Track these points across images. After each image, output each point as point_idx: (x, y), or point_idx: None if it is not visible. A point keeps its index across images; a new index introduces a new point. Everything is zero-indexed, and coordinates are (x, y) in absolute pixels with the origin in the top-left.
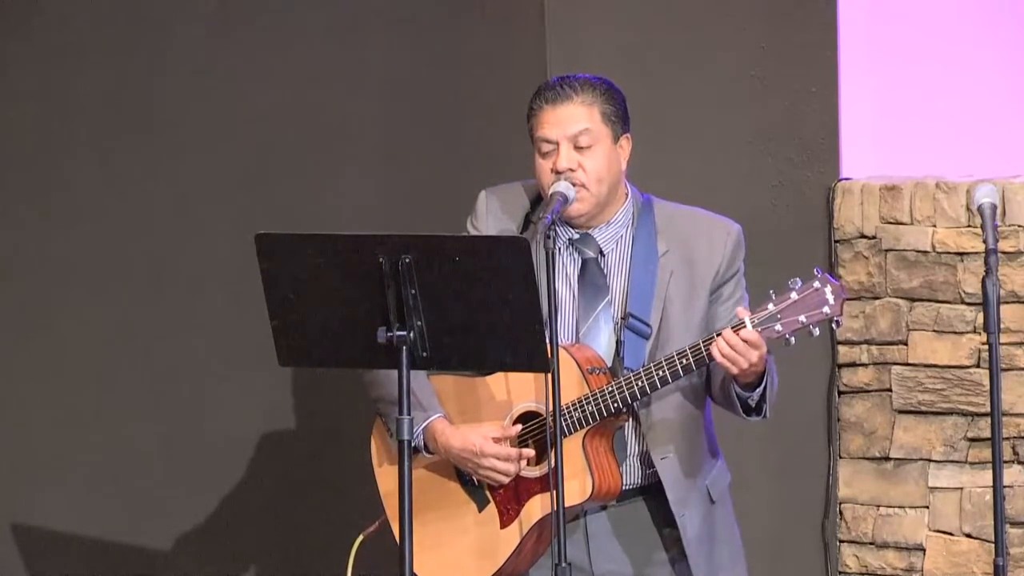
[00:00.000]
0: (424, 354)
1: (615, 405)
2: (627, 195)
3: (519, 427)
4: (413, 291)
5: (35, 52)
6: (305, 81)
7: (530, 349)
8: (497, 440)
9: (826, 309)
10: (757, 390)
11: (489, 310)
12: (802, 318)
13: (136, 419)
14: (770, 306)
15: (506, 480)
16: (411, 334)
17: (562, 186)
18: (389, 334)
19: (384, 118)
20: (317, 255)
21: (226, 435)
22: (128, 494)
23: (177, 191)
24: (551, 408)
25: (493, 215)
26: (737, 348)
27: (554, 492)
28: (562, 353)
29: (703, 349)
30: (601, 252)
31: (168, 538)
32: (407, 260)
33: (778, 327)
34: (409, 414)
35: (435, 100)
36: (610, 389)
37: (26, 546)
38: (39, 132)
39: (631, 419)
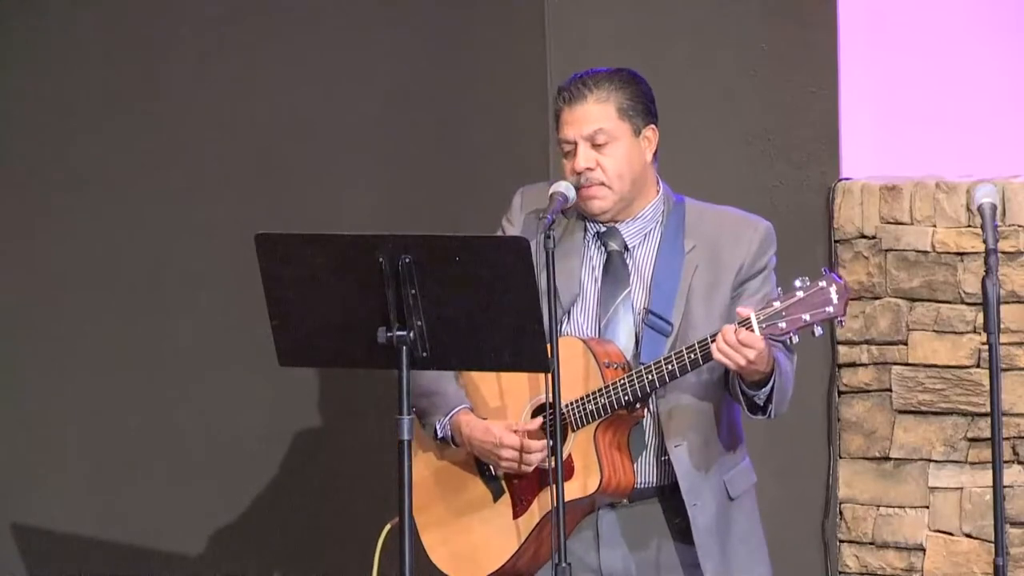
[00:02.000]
0: (424, 354)
1: (627, 398)
2: (658, 191)
3: (540, 420)
4: (413, 291)
5: (36, 52)
6: (305, 81)
7: (530, 349)
8: (518, 432)
9: (830, 308)
10: (763, 389)
11: (489, 310)
12: (806, 316)
13: (136, 419)
14: (775, 304)
15: (527, 469)
16: (411, 334)
17: (562, 186)
18: (389, 334)
19: (384, 118)
20: (317, 255)
21: (226, 435)
22: (128, 494)
23: (177, 191)
24: (552, 404)
25: (527, 212)
26: (732, 344)
27: (554, 487)
28: (581, 346)
29: (709, 343)
30: (626, 246)
31: (168, 538)
32: (407, 260)
33: (782, 324)
34: (409, 414)
35: (435, 100)
36: (621, 382)
37: (26, 546)
38: (39, 132)
39: (649, 413)
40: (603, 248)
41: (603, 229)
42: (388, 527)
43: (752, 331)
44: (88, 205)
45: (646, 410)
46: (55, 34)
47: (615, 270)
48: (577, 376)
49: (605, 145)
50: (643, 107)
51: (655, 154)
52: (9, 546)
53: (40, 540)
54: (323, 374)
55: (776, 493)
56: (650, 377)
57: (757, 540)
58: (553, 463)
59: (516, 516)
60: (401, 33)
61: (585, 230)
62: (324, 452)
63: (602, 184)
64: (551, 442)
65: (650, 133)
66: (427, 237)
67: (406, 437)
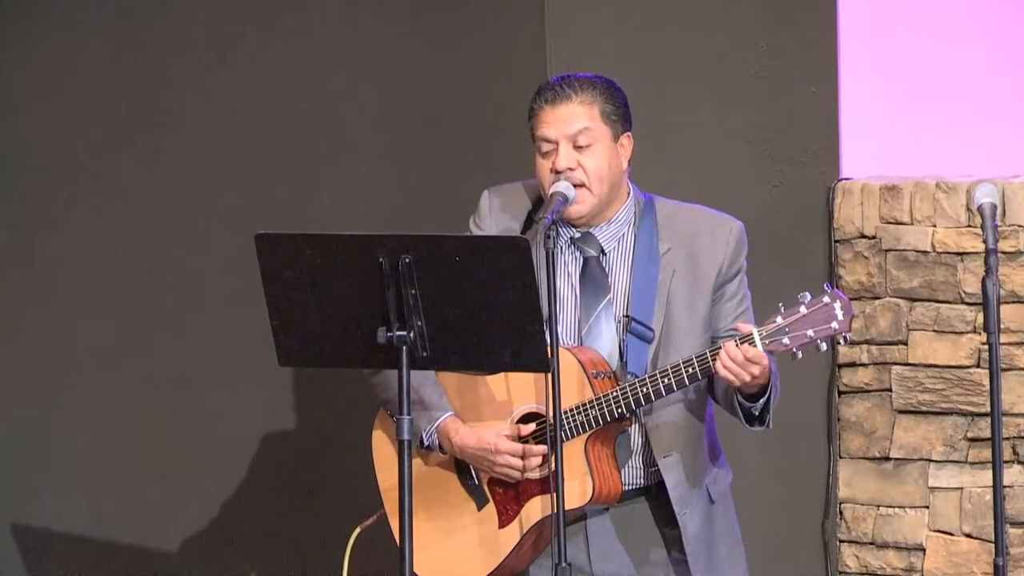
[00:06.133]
0: (424, 354)
1: (619, 411)
2: (629, 194)
3: (532, 426)
4: (413, 291)
5: (37, 53)
6: (305, 81)
7: (530, 349)
8: (511, 438)
9: (835, 325)
10: (760, 400)
11: (489, 310)
12: (810, 332)
13: (136, 419)
14: (778, 319)
15: (519, 476)
16: (411, 334)
17: (562, 186)
18: (389, 334)
19: (384, 118)
20: (317, 255)
21: (226, 435)
22: (128, 494)
23: (177, 191)
24: (551, 409)
25: (495, 214)
26: (738, 362)
27: (554, 494)
28: (566, 355)
29: (709, 359)
30: (603, 251)
31: (168, 538)
32: (407, 260)
33: (786, 340)
34: (409, 413)
35: (435, 100)
36: (615, 394)
37: (26, 546)
38: (40, 132)
39: (635, 419)
40: (578, 254)
41: (577, 235)
42: (358, 531)
43: (755, 347)
44: (88, 205)
45: (633, 418)
46: (57, 34)
47: (593, 276)
48: (565, 386)
49: (587, 147)
50: (622, 114)
51: (629, 161)
52: (9, 546)
53: (40, 540)
54: (323, 374)
55: (776, 493)
56: (645, 390)
57: (735, 539)
58: (542, 473)
59: (503, 525)
60: (401, 33)
61: (557, 236)
62: (325, 452)
63: (583, 185)
64: (550, 449)
65: (626, 141)
66: (427, 237)
67: (406, 437)
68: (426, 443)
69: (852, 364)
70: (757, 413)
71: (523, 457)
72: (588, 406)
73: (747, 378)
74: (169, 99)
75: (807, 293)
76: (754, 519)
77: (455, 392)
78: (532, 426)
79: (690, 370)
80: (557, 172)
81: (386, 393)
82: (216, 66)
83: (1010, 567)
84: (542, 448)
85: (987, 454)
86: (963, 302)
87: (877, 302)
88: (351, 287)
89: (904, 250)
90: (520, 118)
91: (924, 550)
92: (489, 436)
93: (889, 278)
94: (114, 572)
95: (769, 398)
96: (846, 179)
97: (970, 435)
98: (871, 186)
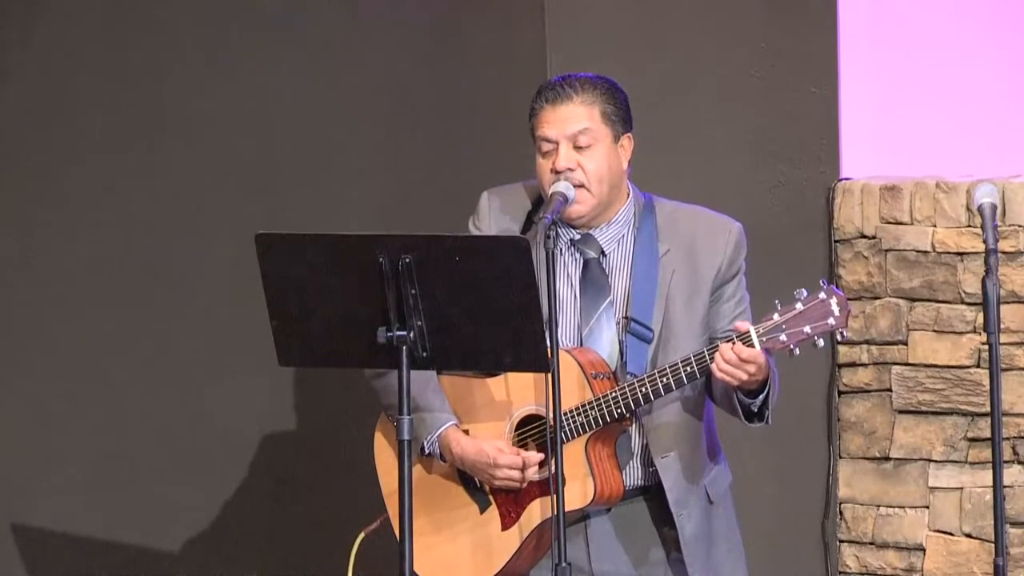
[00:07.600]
0: (424, 354)
1: (618, 411)
2: (629, 195)
3: (534, 453)
4: (413, 291)
5: (37, 53)
6: (305, 81)
7: (530, 349)
8: (510, 451)
9: (831, 320)
10: (759, 397)
11: (489, 310)
12: (807, 329)
13: (136, 419)
14: (775, 316)
15: (520, 487)
16: (411, 334)
17: (562, 186)
18: (389, 334)
19: (384, 118)
20: (317, 255)
21: (226, 435)
22: (128, 494)
23: (177, 191)
24: (551, 410)
25: (495, 215)
26: (733, 363)
27: (554, 495)
28: (565, 356)
29: (707, 357)
30: (603, 252)
31: (168, 538)
32: (407, 260)
33: (783, 337)
34: (409, 414)
35: (435, 100)
36: (613, 395)
37: (26, 546)
38: (40, 133)
39: (634, 420)
40: (578, 256)
41: (578, 236)
42: (362, 535)
43: (752, 346)
44: (88, 204)
45: (633, 419)
46: (57, 33)
47: (594, 278)
48: (565, 387)
49: (587, 147)
50: (623, 115)
51: (629, 162)
52: (9, 546)
53: (40, 540)
54: (323, 374)
55: (776, 493)
56: (644, 390)
57: (735, 540)
58: (543, 475)
59: (505, 528)
60: (401, 33)
61: (557, 236)
62: (325, 452)
63: (583, 186)
64: (550, 450)
65: (626, 141)
66: (427, 237)
67: (406, 437)
68: (427, 451)
69: (852, 364)
70: (756, 409)
71: (522, 468)
72: (588, 407)
73: (744, 377)
74: (169, 99)
75: (803, 290)
76: (754, 519)
77: (455, 394)
78: (534, 452)
79: (688, 369)
80: (557, 172)
81: (388, 398)
82: (216, 66)
83: (1010, 567)
84: (541, 455)
85: (987, 454)
86: (963, 302)
87: (877, 302)
88: (351, 287)
89: (904, 250)
90: (520, 118)
91: (924, 550)
92: (489, 449)
93: (889, 278)
94: (114, 572)
95: (768, 394)
96: (846, 179)
97: (970, 435)
98: (871, 186)
